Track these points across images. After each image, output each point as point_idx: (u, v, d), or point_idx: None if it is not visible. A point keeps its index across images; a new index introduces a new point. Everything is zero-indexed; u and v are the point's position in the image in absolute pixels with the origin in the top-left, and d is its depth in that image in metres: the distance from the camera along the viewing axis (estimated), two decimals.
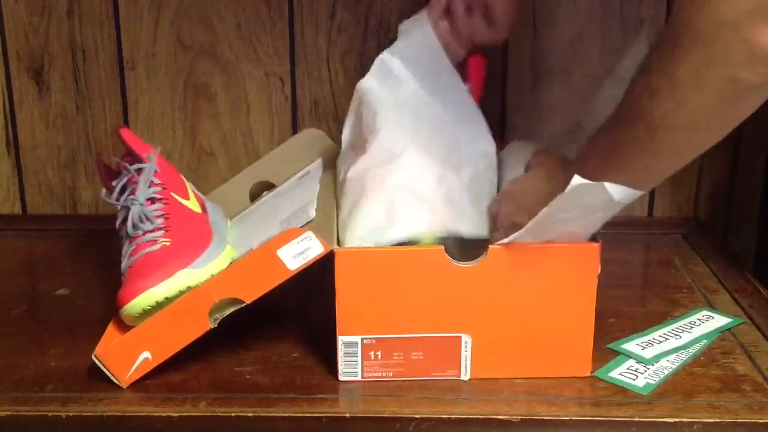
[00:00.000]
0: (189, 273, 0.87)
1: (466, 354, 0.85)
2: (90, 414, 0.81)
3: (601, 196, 0.77)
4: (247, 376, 0.86)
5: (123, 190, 0.97)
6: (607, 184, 0.76)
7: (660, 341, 0.91)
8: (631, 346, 0.90)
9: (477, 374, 0.85)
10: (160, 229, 0.92)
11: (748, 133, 1.24)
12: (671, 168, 0.77)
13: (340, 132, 1.22)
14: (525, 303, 0.83)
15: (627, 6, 1.19)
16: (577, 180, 0.74)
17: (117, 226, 0.96)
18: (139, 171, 0.97)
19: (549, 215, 0.78)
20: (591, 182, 0.75)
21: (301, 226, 0.89)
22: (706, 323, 0.95)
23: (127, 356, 0.84)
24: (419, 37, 1.00)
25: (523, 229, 0.80)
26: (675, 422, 0.79)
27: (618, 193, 0.77)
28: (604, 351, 0.89)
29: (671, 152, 0.74)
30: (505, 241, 0.81)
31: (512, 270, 0.82)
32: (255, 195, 1.13)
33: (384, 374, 0.85)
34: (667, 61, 0.68)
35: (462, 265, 0.82)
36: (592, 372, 0.86)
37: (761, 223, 1.27)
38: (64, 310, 1.01)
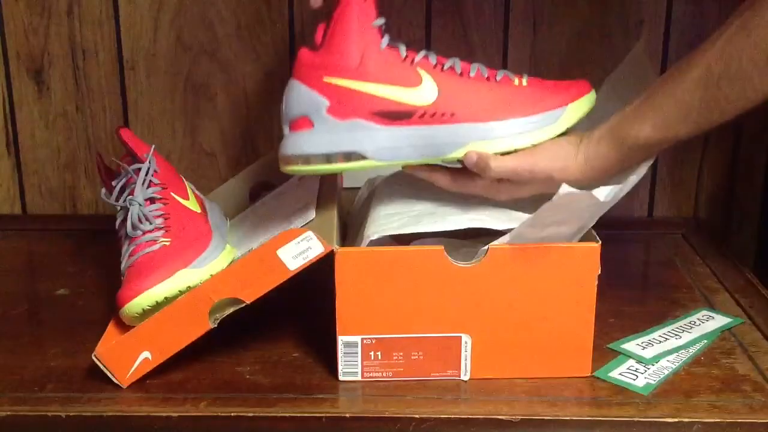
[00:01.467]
0: (189, 273, 0.87)
1: (466, 354, 0.85)
2: (90, 414, 0.81)
3: (588, 202, 0.78)
4: (247, 376, 0.86)
5: (122, 190, 0.97)
6: (595, 190, 0.77)
7: (660, 341, 0.91)
8: (631, 346, 0.90)
9: (477, 374, 0.85)
10: (159, 229, 0.92)
11: (748, 134, 1.24)
12: (721, 114, 0.80)
13: None
14: (525, 303, 0.83)
15: (627, 6, 1.19)
16: (564, 189, 0.76)
17: (117, 227, 0.97)
18: (138, 171, 0.97)
19: (537, 219, 0.79)
20: (578, 191, 0.76)
21: (301, 226, 0.89)
22: (706, 323, 0.95)
23: (127, 356, 0.84)
24: None
25: (512, 232, 0.81)
26: (675, 422, 0.79)
27: (604, 194, 0.78)
28: (604, 351, 0.89)
29: (734, 96, 0.78)
30: (495, 243, 0.81)
31: (512, 270, 0.82)
32: (255, 195, 1.13)
33: (384, 374, 0.85)
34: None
35: (462, 265, 0.82)
36: (592, 372, 0.86)
37: (761, 223, 1.27)
38: (64, 310, 1.01)
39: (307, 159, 0.86)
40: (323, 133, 0.86)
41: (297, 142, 0.86)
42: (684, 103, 0.79)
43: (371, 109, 0.85)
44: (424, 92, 0.86)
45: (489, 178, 0.86)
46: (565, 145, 0.85)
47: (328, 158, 0.86)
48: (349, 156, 0.86)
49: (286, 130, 0.87)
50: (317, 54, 0.86)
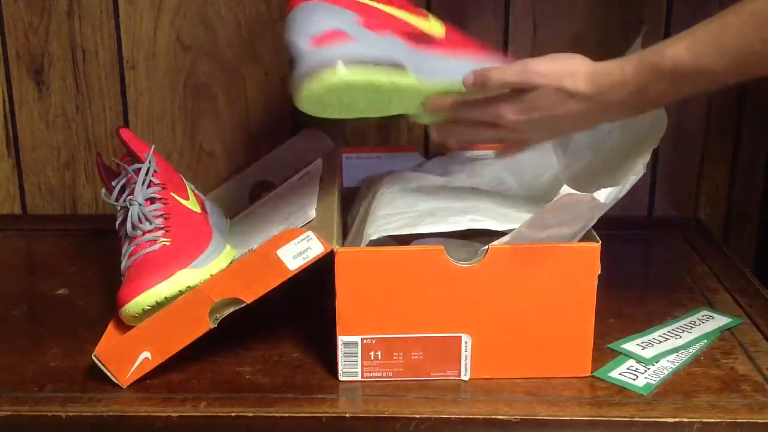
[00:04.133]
0: (189, 273, 0.87)
1: (466, 354, 0.85)
2: (90, 414, 0.81)
3: (589, 204, 0.79)
4: (247, 376, 0.86)
5: (122, 190, 0.97)
6: (595, 193, 0.77)
7: (660, 341, 0.91)
8: (631, 346, 0.90)
9: (477, 374, 0.85)
10: (159, 229, 0.92)
11: (748, 134, 1.24)
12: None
13: (341, 132, 1.22)
14: (525, 303, 0.83)
15: (627, 6, 1.19)
16: (565, 190, 0.75)
17: (117, 227, 0.97)
18: (137, 171, 0.97)
19: (537, 220, 0.79)
20: (579, 192, 0.76)
21: (301, 226, 0.89)
22: (706, 323, 0.95)
23: (127, 356, 0.84)
24: None
25: (513, 233, 0.81)
26: (675, 422, 0.79)
27: (604, 196, 0.78)
28: (604, 351, 0.89)
29: None
30: (495, 243, 0.81)
31: (512, 270, 0.82)
32: (255, 195, 1.13)
33: (384, 374, 0.85)
34: None
35: (462, 265, 0.82)
36: (592, 372, 0.86)
37: (761, 223, 1.27)
38: (64, 310, 1.01)
39: (354, 61, 0.79)
40: (364, 41, 0.81)
41: (335, 53, 0.80)
42: (732, 32, 0.71)
43: (401, 28, 0.84)
44: (433, 26, 0.85)
45: (493, 89, 0.83)
46: (578, 56, 0.82)
47: (377, 63, 0.81)
48: (393, 64, 0.82)
49: (303, 45, 0.80)
50: None
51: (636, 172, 0.82)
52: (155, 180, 0.97)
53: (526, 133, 0.85)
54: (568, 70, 0.80)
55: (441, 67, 0.85)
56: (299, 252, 0.82)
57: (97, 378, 0.84)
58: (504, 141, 0.88)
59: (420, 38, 0.84)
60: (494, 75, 0.82)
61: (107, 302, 0.97)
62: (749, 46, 0.71)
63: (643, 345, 0.91)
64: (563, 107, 0.81)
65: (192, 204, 0.99)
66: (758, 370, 0.87)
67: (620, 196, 0.82)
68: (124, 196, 0.96)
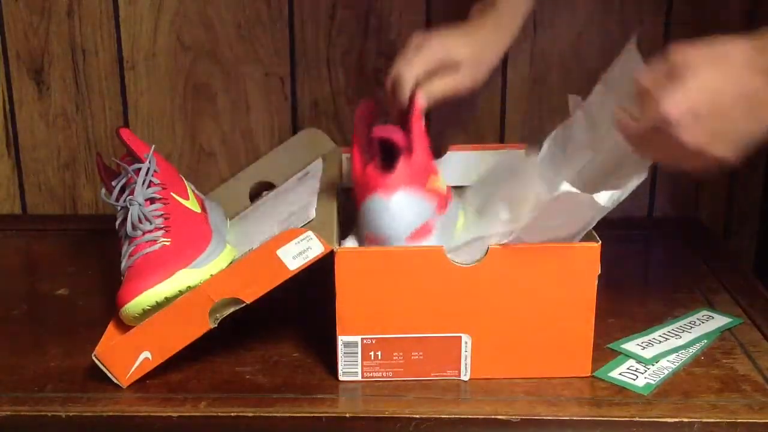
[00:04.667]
0: (189, 273, 0.87)
1: (466, 354, 0.85)
2: (90, 414, 0.81)
3: (589, 205, 0.78)
4: (247, 376, 0.86)
5: (122, 190, 0.97)
6: (596, 195, 0.77)
7: (660, 341, 0.91)
8: (631, 346, 0.90)
9: (477, 374, 0.85)
10: (159, 229, 0.92)
11: None
12: None
13: (340, 132, 1.22)
14: (525, 303, 0.83)
15: (627, 6, 1.19)
16: (565, 187, 0.75)
17: (117, 227, 0.97)
18: (137, 171, 0.97)
19: (537, 220, 0.79)
20: (580, 192, 0.76)
21: (301, 226, 0.89)
22: (706, 323, 0.95)
23: (127, 356, 0.84)
24: None
25: (512, 237, 0.81)
26: (675, 422, 0.79)
27: (605, 198, 0.78)
28: (604, 351, 0.89)
29: None
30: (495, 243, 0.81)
31: (512, 270, 0.82)
32: (255, 195, 1.13)
33: (384, 374, 0.85)
34: None
35: (462, 265, 0.82)
36: (592, 372, 0.86)
37: (761, 223, 1.27)
38: (64, 310, 1.01)
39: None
40: (443, 231, 0.86)
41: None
42: None
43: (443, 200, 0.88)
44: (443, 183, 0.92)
45: (647, 85, 0.75)
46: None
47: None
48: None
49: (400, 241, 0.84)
50: (410, 161, 0.85)
51: (637, 174, 0.82)
52: (155, 180, 0.97)
53: (700, 135, 0.74)
54: (719, 42, 0.73)
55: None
56: (299, 252, 0.82)
57: (97, 378, 0.84)
58: (682, 155, 0.76)
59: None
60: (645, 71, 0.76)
61: (107, 302, 0.97)
62: None
63: (643, 345, 0.91)
64: (725, 79, 0.73)
65: (192, 204, 0.99)
66: (758, 370, 0.87)
67: (622, 198, 0.82)
68: (124, 196, 0.96)
